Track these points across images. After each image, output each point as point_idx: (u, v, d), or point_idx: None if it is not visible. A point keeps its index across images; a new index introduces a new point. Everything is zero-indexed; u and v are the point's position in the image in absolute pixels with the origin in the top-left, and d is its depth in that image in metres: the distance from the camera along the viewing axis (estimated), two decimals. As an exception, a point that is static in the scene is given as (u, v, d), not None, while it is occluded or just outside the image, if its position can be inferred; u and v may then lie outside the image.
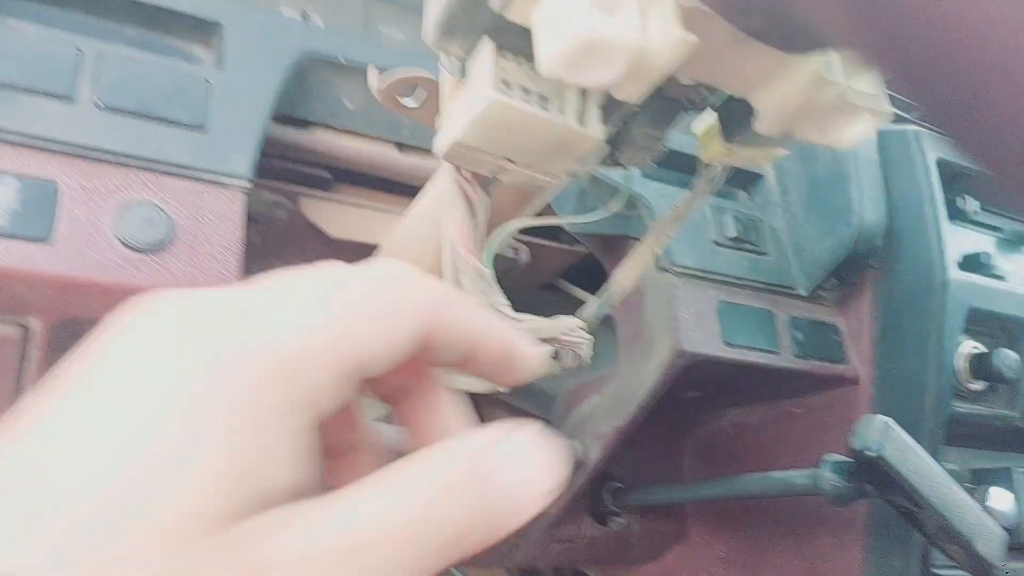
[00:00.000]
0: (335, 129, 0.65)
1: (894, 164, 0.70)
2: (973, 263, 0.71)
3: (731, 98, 0.42)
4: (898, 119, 0.70)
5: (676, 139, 0.49)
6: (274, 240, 0.67)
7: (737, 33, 0.34)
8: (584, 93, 0.39)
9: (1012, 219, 0.80)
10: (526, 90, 0.38)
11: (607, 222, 0.69)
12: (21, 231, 0.50)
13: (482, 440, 0.24)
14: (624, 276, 0.50)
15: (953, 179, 0.72)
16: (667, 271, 0.66)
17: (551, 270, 0.83)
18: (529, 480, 0.24)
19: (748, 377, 0.72)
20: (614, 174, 0.63)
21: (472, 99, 0.38)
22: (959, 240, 0.71)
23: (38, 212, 0.51)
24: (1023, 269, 0.79)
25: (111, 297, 0.52)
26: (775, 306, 0.70)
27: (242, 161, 0.55)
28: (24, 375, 0.56)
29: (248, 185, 0.55)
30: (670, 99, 0.40)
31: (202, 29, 0.58)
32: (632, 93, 0.35)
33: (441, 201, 0.48)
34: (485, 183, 0.43)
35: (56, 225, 0.51)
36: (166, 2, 0.57)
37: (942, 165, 0.70)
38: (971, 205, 0.73)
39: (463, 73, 0.43)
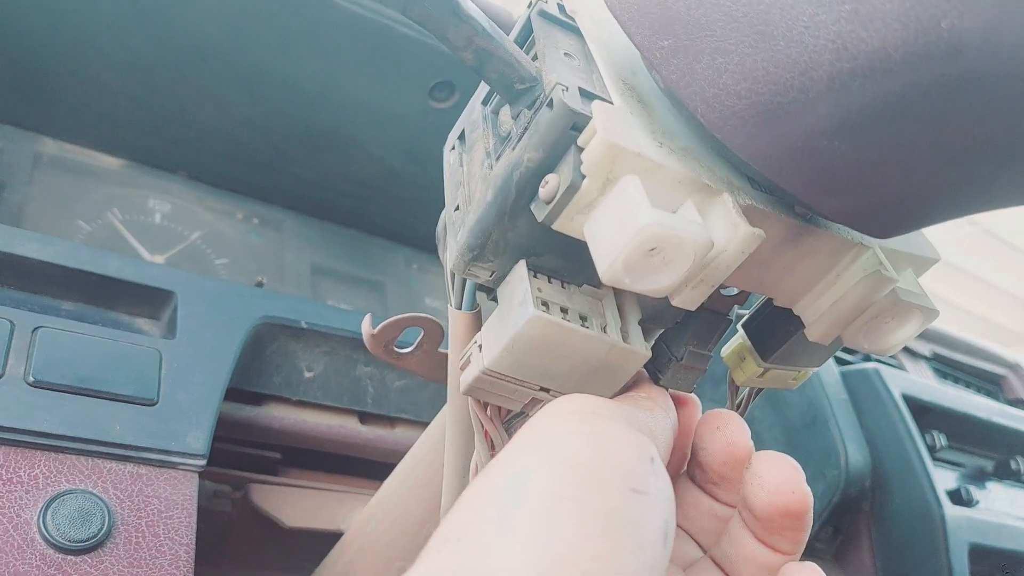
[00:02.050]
0: (290, 402, 0.59)
1: (864, 402, 0.69)
2: (957, 498, 0.69)
3: (763, 313, 0.41)
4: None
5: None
6: (215, 536, 0.58)
7: (791, 232, 0.33)
8: (623, 311, 0.36)
9: (973, 454, 0.79)
10: (563, 310, 0.34)
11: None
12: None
13: None
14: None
15: (918, 414, 0.71)
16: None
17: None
18: None
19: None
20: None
21: (506, 321, 0.34)
22: (939, 476, 0.69)
23: (-54, 515, 0.42)
24: (993, 504, 0.78)
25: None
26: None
27: (199, 438, 0.48)
28: None
29: (203, 465, 0.48)
30: (713, 312, 0.37)
31: (151, 299, 0.53)
32: (692, 299, 0.32)
33: (448, 445, 0.43)
34: (509, 422, 0.39)
35: (-33, 529, 0.42)
36: (113, 272, 0.52)
37: (908, 400, 0.70)
38: (939, 441, 0.72)
39: (472, 307, 0.40)
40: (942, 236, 0.39)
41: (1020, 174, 0.24)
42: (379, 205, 0.79)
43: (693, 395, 0.39)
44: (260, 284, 0.66)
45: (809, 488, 0.32)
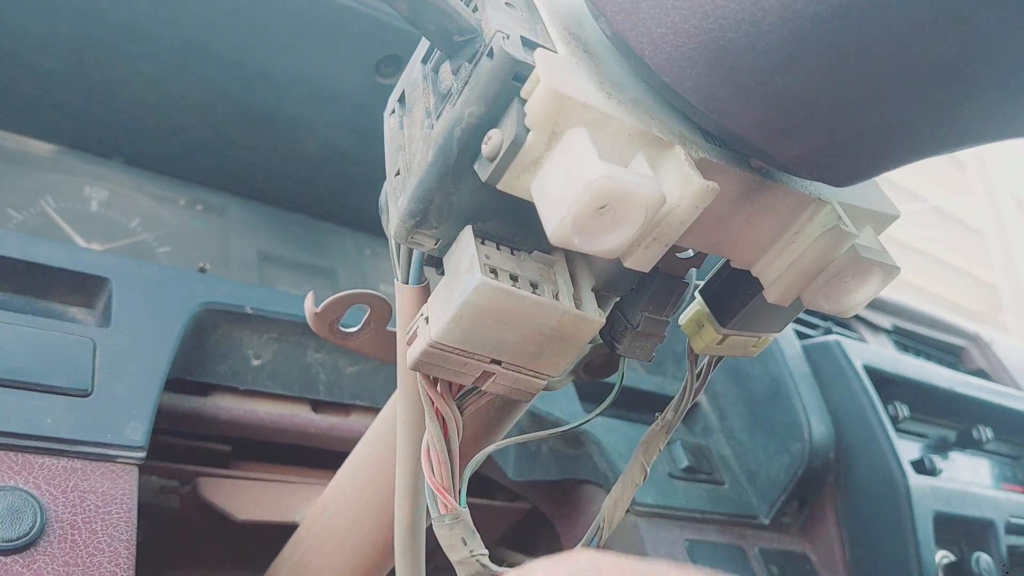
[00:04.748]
0: (238, 391, 0.57)
1: (826, 375, 0.68)
2: (921, 468, 0.68)
3: (721, 277, 0.39)
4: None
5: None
6: (163, 532, 0.55)
7: (747, 187, 0.32)
8: (575, 278, 0.35)
9: (936, 424, 0.79)
10: (513, 277, 0.33)
11: (554, 467, 0.63)
12: None
13: None
14: (616, 505, 0.43)
15: (880, 385, 0.71)
16: (628, 511, 0.59)
17: (490, 536, 0.73)
18: None
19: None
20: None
21: (453, 290, 0.33)
22: (903, 447, 0.68)
23: None
24: (956, 473, 0.78)
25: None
26: (742, 539, 0.63)
27: (137, 429, 0.46)
28: None
29: (143, 457, 0.46)
30: (670, 276, 0.36)
31: (84, 286, 0.50)
32: (646, 260, 0.31)
33: (400, 425, 0.41)
34: (462, 397, 0.37)
35: None
36: (43, 259, 0.49)
37: (869, 371, 0.70)
38: (902, 411, 0.72)
39: (420, 280, 0.38)
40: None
41: (986, 102, 0.23)
42: (327, 188, 0.76)
43: None
44: (203, 270, 0.64)
45: None
